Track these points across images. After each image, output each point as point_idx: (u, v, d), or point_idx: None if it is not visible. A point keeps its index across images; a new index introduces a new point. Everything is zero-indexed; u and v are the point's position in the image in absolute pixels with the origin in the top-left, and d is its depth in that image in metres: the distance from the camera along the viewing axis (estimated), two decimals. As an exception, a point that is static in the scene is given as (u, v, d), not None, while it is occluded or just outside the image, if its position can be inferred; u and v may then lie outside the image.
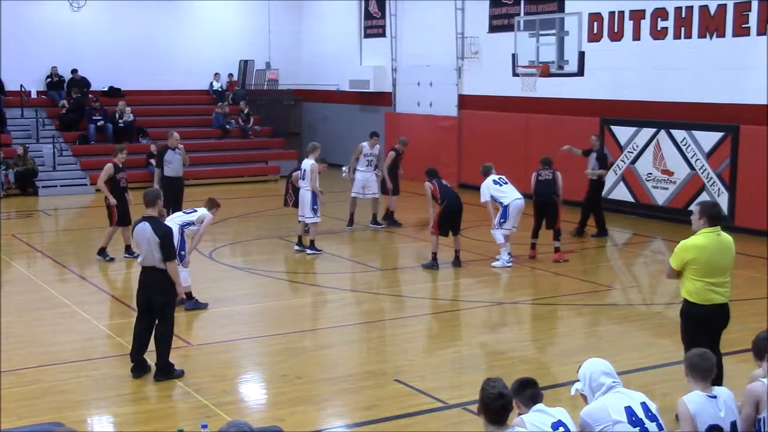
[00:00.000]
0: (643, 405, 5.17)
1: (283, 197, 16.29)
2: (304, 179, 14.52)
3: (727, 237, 7.40)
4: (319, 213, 14.52)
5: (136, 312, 8.90)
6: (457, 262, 13.64)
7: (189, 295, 11.09)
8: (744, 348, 8.33)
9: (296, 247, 14.79)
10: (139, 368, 8.65)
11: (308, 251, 14.52)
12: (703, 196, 16.67)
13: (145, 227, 8.53)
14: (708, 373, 5.46)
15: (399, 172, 17.04)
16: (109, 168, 13.73)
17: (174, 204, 15.89)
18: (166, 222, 10.09)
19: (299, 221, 14.78)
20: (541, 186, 14.06)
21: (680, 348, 7.56)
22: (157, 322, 8.66)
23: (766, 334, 5.92)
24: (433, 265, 13.49)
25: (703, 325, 7.39)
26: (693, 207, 7.65)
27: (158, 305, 8.59)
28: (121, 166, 14.03)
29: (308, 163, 14.55)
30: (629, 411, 5.11)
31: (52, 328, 10.50)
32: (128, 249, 13.98)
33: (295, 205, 15.09)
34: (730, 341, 8.30)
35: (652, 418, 5.13)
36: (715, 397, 5.36)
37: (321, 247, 14.65)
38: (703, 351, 5.65)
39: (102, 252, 13.97)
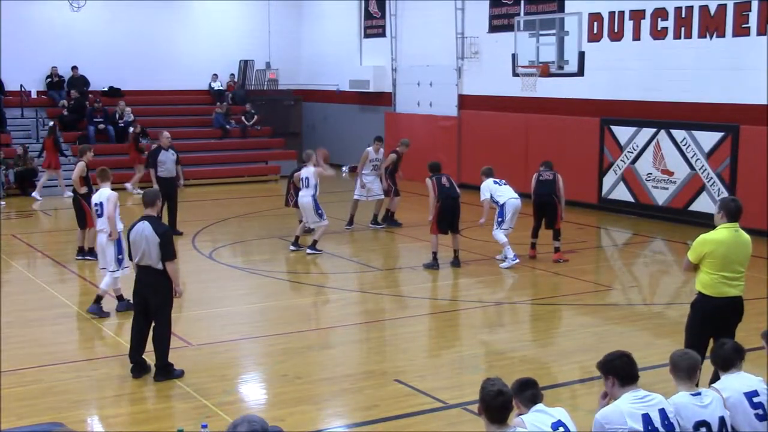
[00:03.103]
0: (661, 412, 5.13)
1: (284, 197, 16.29)
2: (308, 187, 14.50)
3: (745, 235, 7.49)
4: (325, 216, 14.54)
5: (133, 312, 8.89)
6: (456, 262, 13.64)
7: (98, 299, 10.89)
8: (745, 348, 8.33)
9: (291, 247, 14.78)
10: (138, 368, 8.65)
11: (308, 251, 14.52)
12: (703, 196, 16.69)
13: (145, 226, 8.50)
14: (690, 372, 5.46)
15: (398, 174, 16.99)
16: (81, 166, 13.69)
17: (169, 205, 15.97)
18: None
19: (305, 226, 14.77)
20: (540, 186, 14.04)
21: (680, 348, 7.56)
22: (154, 322, 8.65)
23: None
24: (433, 264, 13.50)
25: (710, 319, 7.45)
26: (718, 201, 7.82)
27: (154, 305, 8.56)
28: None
29: (310, 171, 14.54)
30: (646, 419, 5.06)
31: (52, 328, 10.50)
32: (81, 250, 13.99)
33: (297, 205, 15.11)
34: (730, 341, 8.29)
35: (669, 426, 5.11)
36: (699, 394, 5.35)
37: (321, 247, 14.64)
38: (685, 351, 5.68)
39: (92, 252, 13.95)
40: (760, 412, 5.43)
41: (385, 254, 15.32)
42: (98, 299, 10.86)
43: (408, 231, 16.60)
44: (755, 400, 5.49)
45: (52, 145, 21.23)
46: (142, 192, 14.03)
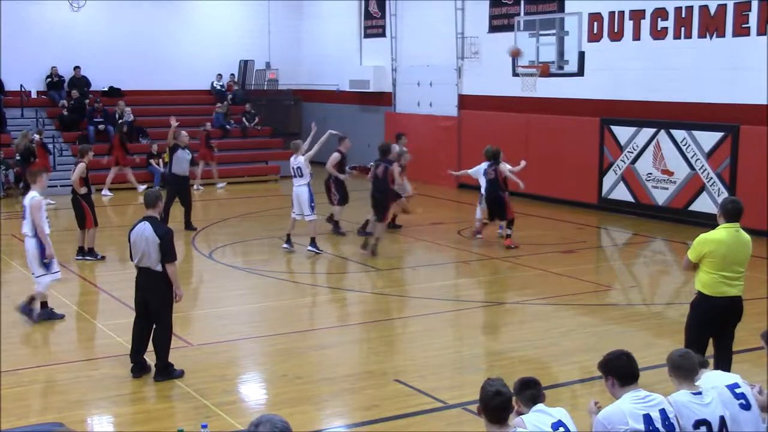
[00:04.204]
0: (662, 412, 5.13)
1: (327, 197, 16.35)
2: (302, 176, 14.47)
3: (745, 235, 7.51)
4: (315, 209, 14.52)
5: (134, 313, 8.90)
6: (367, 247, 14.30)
7: (43, 305, 10.67)
8: (744, 348, 8.34)
9: (285, 246, 14.67)
10: (138, 368, 8.65)
11: (309, 248, 14.49)
12: (703, 197, 16.70)
13: (145, 227, 8.48)
14: (690, 372, 5.46)
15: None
16: (82, 167, 13.73)
17: (183, 203, 16.18)
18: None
19: (294, 219, 14.71)
20: (488, 185, 14.92)
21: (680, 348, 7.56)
22: (154, 324, 8.63)
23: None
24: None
25: (710, 318, 7.46)
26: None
27: (154, 307, 8.55)
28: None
29: (300, 161, 14.49)
30: (647, 419, 5.07)
31: (52, 328, 10.50)
32: (81, 250, 13.99)
33: (340, 202, 15.46)
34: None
35: (669, 426, 5.11)
36: (699, 393, 5.35)
37: (321, 247, 14.62)
38: (684, 351, 5.68)
39: (91, 252, 13.97)
40: (743, 402, 5.44)
41: (385, 254, 15.30)
42: (43, 305, 10.68)
43: (408, 231, 16.59)
44: (737, 390, 5.52)
45: (119, 143, 21.89)
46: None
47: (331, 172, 15.63)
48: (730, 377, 5.69)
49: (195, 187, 22.15)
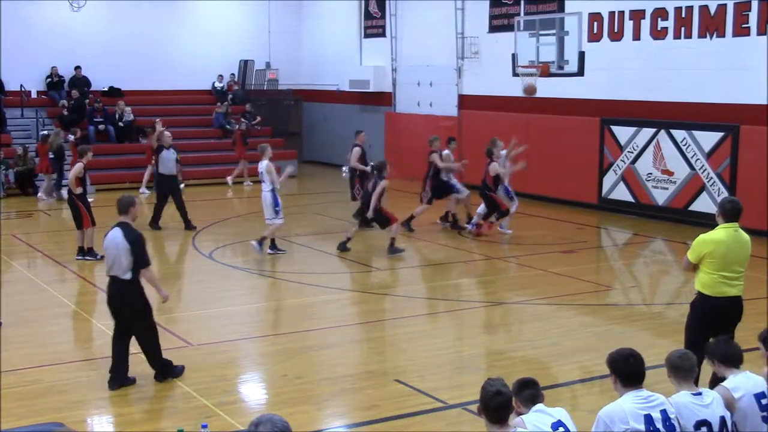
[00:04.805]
0: (663, 413, 5.12)
1: (349, 192, 16.32)
2: (265, 182, 14.30)
3: (744, 235, 7.49)
4: (281, 214, 14.40)
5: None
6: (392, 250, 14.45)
7: None
8: (744, 348, 8.32)
9: (269, 251, 14.54)
10: (114, 381, 8.31)
11: (269, 251, 14.38)
12: (703, 197, 16.69)
13: (116, 234, 8.19)
14: (689, 372, 5.44)
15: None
16: (79, 167, 13.75)
17: (175, 203, 16.31)
18: None
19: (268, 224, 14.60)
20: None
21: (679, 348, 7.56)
22: (134, 333, 8.37)
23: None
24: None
25: (710, 318, 7.46)
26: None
27: (125, 317, 8.30)
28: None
29: (264, 164, 14.31)
30: (648, 419, 5.06)
31: (52, 328, 10.50)
32: (81, 250, 14.03)
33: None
34: (730, 341, 8.28)
35: (670, 427, 5.11)
36: (699, 394, 5.35)
37: (321, 247, 14.62)
38: (683, 352, 5.66)
39: (91, 252, 13.97)
40: (766, 414, 5.42)
41: (385, 254, 15.30)
42: None
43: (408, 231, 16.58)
44: (763, 401, 5.49)
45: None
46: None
47: (357, 166, 15.62)
48: (759, 383, 5.61)
49: (245, 183, 23.06)
